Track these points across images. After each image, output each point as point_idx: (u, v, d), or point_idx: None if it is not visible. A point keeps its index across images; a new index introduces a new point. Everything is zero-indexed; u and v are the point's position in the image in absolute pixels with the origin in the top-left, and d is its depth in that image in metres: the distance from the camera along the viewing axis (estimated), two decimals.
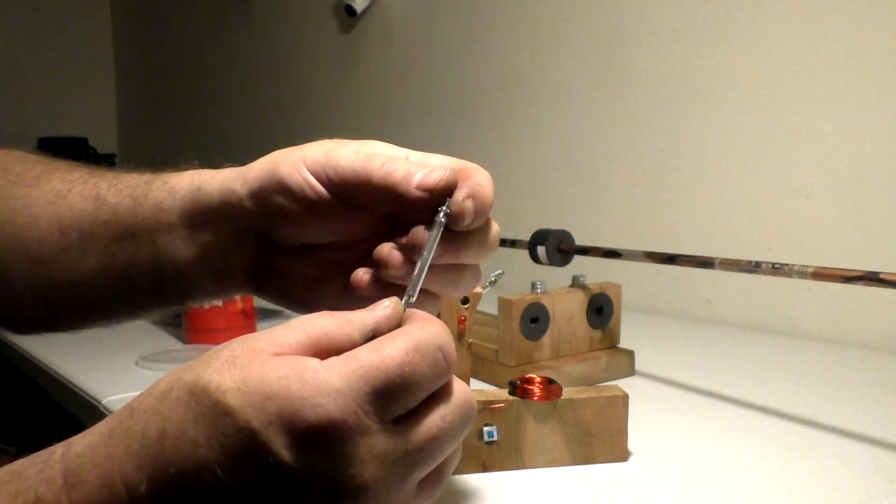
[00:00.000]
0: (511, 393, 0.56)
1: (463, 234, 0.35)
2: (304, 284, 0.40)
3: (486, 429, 0.55)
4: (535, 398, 0.55)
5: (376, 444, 0.26)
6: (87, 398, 0.78)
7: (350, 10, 1.69)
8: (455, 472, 0.55)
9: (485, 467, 0.56)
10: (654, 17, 1.16)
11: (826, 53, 0.97)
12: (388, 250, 0.36)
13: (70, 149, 2.67)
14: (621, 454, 0.58)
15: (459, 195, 0.35)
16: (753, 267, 0.64)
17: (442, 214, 0.35)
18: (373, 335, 0.29)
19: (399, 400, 0.27)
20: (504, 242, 0.90)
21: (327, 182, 0.36)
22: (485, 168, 0.37)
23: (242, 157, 0.43)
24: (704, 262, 0.68)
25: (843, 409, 0.69)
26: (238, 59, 2.25)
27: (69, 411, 0.83)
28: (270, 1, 2.09)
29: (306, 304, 0.40)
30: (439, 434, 0.28)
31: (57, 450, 0.28)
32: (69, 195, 0.45)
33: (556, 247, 0.82)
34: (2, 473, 0.27)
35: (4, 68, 2.73)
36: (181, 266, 0.42)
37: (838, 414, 0.67)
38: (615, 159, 1.24)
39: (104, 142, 2.86)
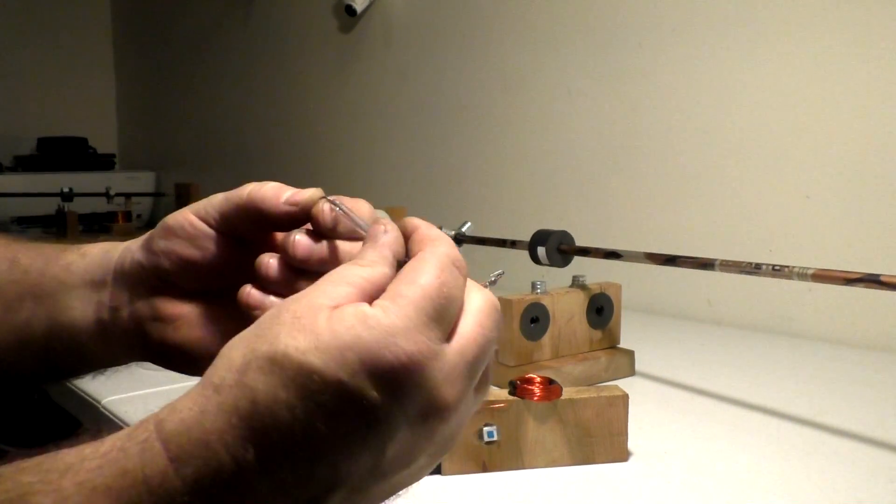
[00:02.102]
0: (511, 393, 0.56)
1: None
2: (188, 327, 0.43)
3: (486, 429, 0.55)
4: (536, 398, 0.55)
5: (444, 363, 0.29)
6: (87, 398, 0.78)
7: (350, 10, 1.69)
8: (455, 472, 0.55)
9: (485, 467, 0.56)
10: (654, 17, 1.16)
11: (826, 53, 0.97)
12: (266, 259, 0.39)
13: (70, 149, 2.67)
14: (621, 454, 0.58)
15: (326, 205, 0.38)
16: (754, 269, 0.63)
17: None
18: (396, 261, 0.32)
19: (446, 317, 0.30)
20: (504, 243, 0.90)
21: (205, 216, 0.41)
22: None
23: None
24: (705, 264, 0.68)
25: (843, 409, 0.69)
26: (238, 58, 2.25)
27: (69, 411, 0.83)
28: (271, 1, 2.09)
29: (188, 347, 0.42)
30: (482, 338, 0.31)
31: (150, 427, 0.29)
32: None
33: (556, 247, 0.82)
34: (105, 449, 0.28)
35: (5, 68, 2.73)
36: (73, 330, 0.44)
37: (838, 414, 0.67)
38: (615, 159, 1.24)
39: (104, 142, 2.86)
